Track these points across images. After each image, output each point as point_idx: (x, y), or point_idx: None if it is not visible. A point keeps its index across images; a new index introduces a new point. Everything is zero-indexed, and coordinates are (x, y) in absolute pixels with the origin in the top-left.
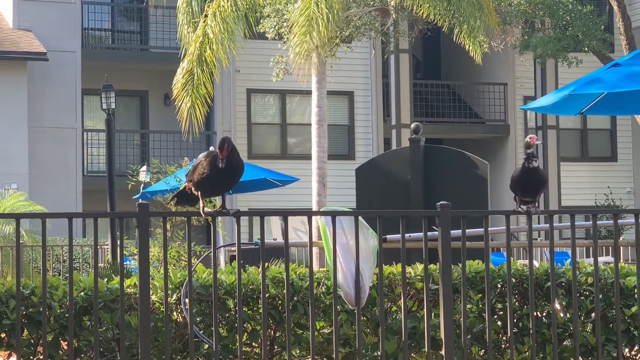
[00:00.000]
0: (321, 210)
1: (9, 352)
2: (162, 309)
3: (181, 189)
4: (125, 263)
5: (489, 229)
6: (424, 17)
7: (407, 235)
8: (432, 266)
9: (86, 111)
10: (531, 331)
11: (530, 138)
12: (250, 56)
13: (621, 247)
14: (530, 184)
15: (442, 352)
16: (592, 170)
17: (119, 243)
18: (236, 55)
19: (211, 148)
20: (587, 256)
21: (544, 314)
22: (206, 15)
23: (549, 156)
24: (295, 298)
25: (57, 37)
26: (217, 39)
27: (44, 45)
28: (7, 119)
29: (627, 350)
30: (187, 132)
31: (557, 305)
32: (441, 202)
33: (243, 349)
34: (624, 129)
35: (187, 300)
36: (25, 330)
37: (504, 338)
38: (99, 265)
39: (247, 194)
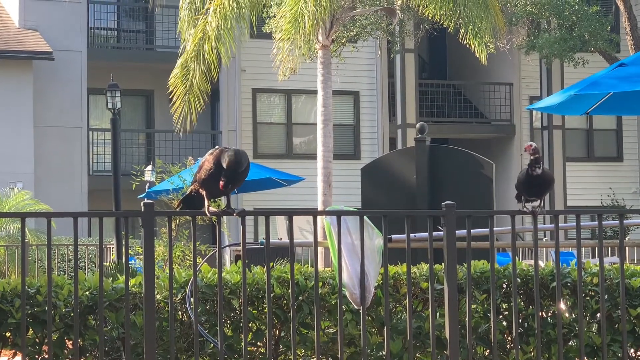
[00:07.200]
0: (326, 209)
1: (14, 351)
2: (167, 309)
3: (187, 193)
4: (130, 262)
5: (494, 229)
6: (429, 17)
7: (412, 235)
8: (437, 266)
9: (92, 110)
10: (536, 331)
11: (526, 146)
12: (256, 56)
13: (627, 248)
14: (535, 187)
15: (447, 352)
16: (597, 170)
17: (124, 242)
18: (236, 53)
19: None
20: (593, 256)
21: (550, 314)
22: (207, 12)
23: (554, 156)
24: (300, 298)
25: (63, 36)
26: (216, 36)
27: (50, 45)
28: (12, 118)
29: (632, 350)
30: (180, 128)
31: (563, 306)
32: (446, 202)
33: (248, 348)
34: (630, 129)
35: (192, 299)
36: (30, 329)
37: (509, 338)
38: (104, 264)
39: (252, 194)
